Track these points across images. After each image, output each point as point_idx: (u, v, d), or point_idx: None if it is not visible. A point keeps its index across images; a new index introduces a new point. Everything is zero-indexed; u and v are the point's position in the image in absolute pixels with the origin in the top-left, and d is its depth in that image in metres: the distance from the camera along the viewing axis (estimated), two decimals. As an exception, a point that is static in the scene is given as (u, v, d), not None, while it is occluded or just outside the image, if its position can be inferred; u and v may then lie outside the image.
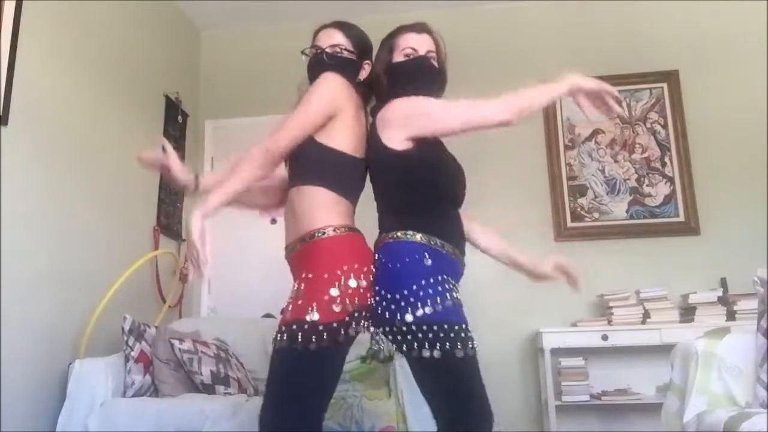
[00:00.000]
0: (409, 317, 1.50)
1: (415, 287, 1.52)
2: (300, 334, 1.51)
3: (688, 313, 3.50)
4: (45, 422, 2.60)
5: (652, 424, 3.30)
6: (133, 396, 2.74)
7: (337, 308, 1.52)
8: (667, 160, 3.94)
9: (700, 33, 4.04)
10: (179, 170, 1.84)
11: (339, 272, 1.56)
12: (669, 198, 3.88)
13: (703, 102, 3.94)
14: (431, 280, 1.53)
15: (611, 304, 3.56)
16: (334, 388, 1.62)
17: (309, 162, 1.67)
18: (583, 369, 3.49)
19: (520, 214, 3.84)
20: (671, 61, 4.02)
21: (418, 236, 1.59)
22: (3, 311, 2.42)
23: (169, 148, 1.87)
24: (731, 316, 3.41)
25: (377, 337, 1.65)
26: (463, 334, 1.52)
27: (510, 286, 3.79)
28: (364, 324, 1.58)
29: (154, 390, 2.85)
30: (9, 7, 2.51)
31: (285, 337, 1.53)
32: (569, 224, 3.92)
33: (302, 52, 1.86)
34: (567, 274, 1.91)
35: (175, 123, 4.01)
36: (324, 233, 1.61)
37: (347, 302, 1.53)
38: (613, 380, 3.54)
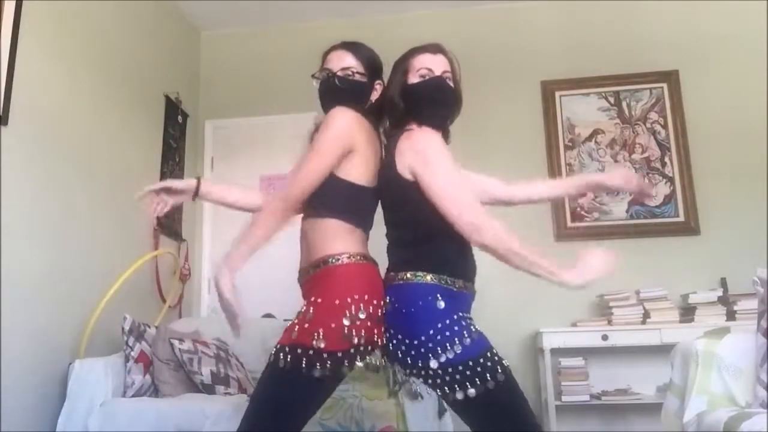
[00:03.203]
0: (433, 363, 1.48)
1: (432, 332, 1.50)
2: (305, 359, 1.49)
3: (688, 313, 3.50)
4: (45, 422, 2.60)
5: (652, 424, 3.30)
6: (133, 396, 2.74)
7: (344, 338, 1.50)
8: (667, 160, 3.94)
9: (700, 33, 4.04)
10: (178, 183, 1.88)
11: (349, 300, 1.53)
12: (669, 198, 3.88)
13: (703, 102, 3.94)
14: (447, 322, 1.51)
15: (611, 304, 3.56)
16: (315, 412, 1.62)
17: (324, 196, 1.63)
18: (583, 369, 3.49)
19: (521, 214, 3.80)
20: (671, 61, 4.02)
21: (428, 277, 1.56)
22: (3, 311, 2.42)
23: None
24: (731, 316, 3.41)
25: (398, 376, 1.64)
26: (489, 363, 1.49)
27: (510, 286, 3.79)
28: (370, 359, 1.57)
29: (154, 390, 2.85)
30: (9, 7, 2.51)
31: (288, 359, 1.51)
32: (569, 224, 3.92)
33: (312, 76, 1.80)
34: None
35: (175, 123, 4.01)
36: (338, 260, 1.59)
37: (354, 333, 1.51)
38: (613, 380, 3.54)
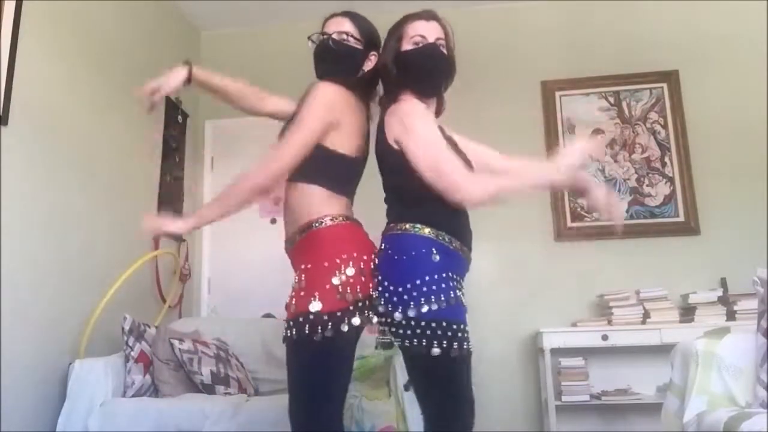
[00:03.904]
0: (411, 312, 1.50)
1: (419, 282, 1.51)
2: (307, 325, 1.51)
3: (688, 313, 3.50)
4: (45, 422, 2.59)
5: (652, 424, 3.30)
6: (133, 396, 2.74)
7: (339, 297, 1.52)
8: (667, 160, 3.94)
9: (700, 33, 4.04)
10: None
11: (338, 260, 1.56)
12: (669, 198, 3.88)
13: (703, 102, 3.94)
14: (436, 277, 1.52)
15: (611, 304, 3.56)
16: (348, 379, 1.62)
17: (307, 161, 1.66)
18: (583, 369, 3.49)
19: (521, 214, 3.84)
20: (671, 61, 4.02)
21: (426, 230, 1.57)
22: (3, 311, 2.42)
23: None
24: (731, 316, 3.41)
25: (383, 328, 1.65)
26: (460, 334, 1.52)
27: (510, 287, 3.80)
28: (368, 314, 1.57)
29: (154, 390, 2.85)
30: (9, 7, 2.51)
31: (294, 331, 1.54)
32: (569, 224, 3.91)
33: (309, 38, 1.82)
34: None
35: (175, 123, 4.00)
36: (322, 223, 1.62)
37: (348, 291, 1.53)
38: (613, 380, 3.54)
